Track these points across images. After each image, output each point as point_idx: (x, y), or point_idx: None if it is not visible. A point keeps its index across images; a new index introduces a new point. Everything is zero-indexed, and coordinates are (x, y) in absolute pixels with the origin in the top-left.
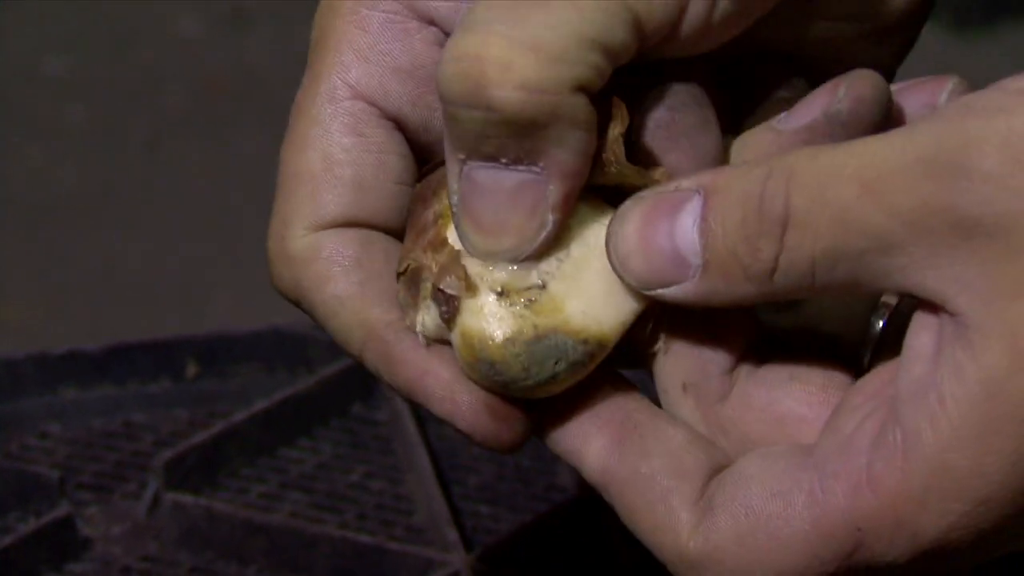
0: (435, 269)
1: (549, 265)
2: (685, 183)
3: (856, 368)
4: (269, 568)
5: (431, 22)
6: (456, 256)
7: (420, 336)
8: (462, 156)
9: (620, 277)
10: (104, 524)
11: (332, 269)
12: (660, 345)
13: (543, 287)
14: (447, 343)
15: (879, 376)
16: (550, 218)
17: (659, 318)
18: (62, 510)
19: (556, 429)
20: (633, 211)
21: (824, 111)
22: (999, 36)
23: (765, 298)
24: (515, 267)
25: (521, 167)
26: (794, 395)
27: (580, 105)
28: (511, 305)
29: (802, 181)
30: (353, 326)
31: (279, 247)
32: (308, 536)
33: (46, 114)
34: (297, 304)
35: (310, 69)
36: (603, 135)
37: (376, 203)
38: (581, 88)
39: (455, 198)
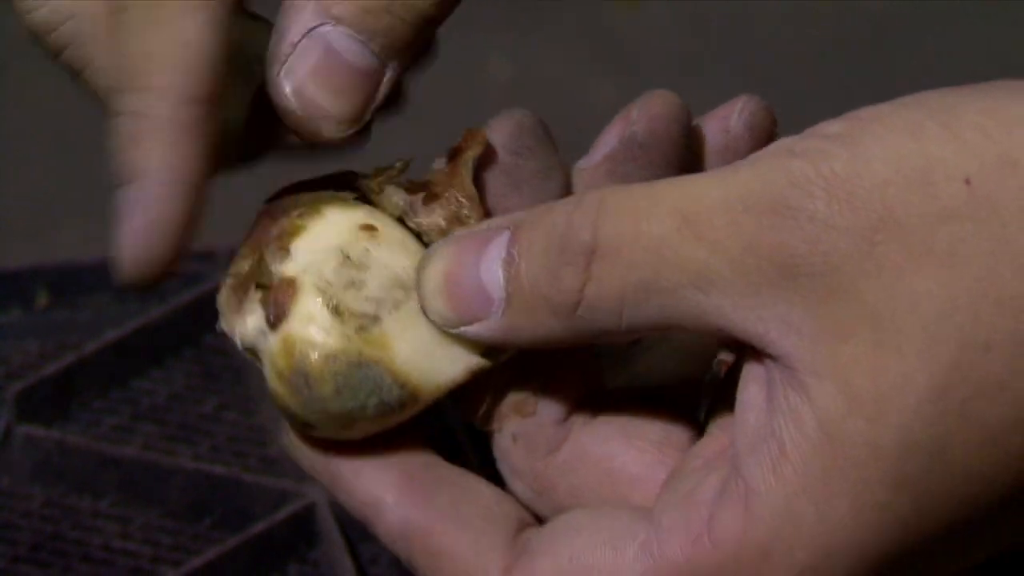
0: (273, 274)
1: (388, 302)
2: (497, 221)
3: (696, 424)
4: (122, 501)
5: None
6: (299, 266)
7: (237, 341)
8: (334, 14)
9: (425, 314)
10: None
11: (198, 7)
12: (496, 417)
13: (377, 319)
14: (257, 358)
15: (717, 439)
16: (369, 115)
17: (497, 386)
18: None
19: (353, 478)
20: (441, 248)
21: (620, 138)
22: None
23: (573, 336)
24: (355, 290)
25: (377, 53)
26: (629, 451)
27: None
28: (342, 324)
29: (614, 210)
30: (179, 70)
31: None
32: (161, 468)
33: None
34: (127, 23)
35: None
36: (453, 160)
37: None
38: None
39: (285, 47)
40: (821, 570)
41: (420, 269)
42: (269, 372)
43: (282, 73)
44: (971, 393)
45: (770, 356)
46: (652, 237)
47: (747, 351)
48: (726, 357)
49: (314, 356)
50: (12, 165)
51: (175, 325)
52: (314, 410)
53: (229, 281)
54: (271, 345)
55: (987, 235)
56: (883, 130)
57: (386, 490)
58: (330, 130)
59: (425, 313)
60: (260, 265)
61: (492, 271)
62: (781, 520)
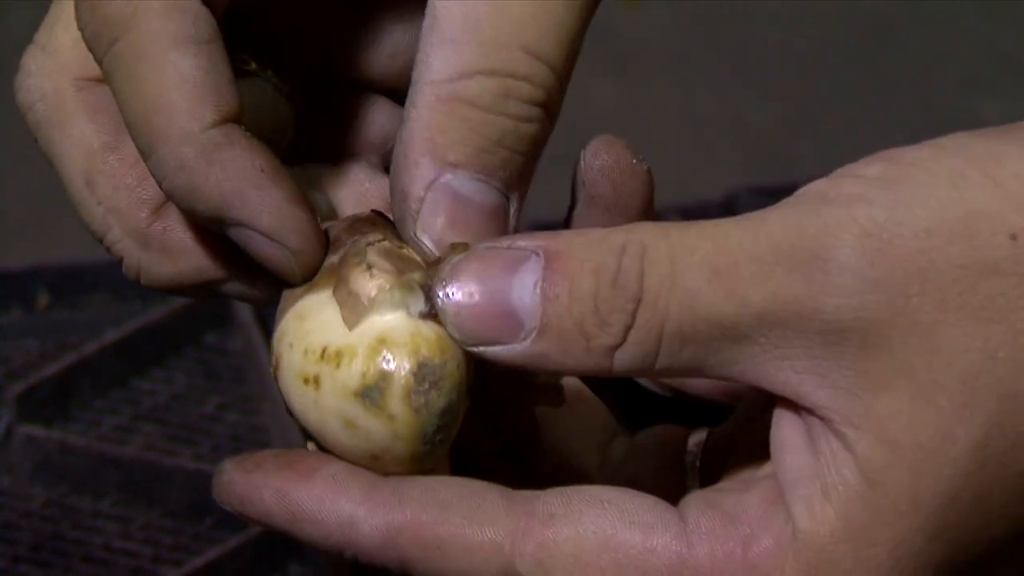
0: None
1: None
2: (521, 242)
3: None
4: (123, 501)
5: None
6: None
7: (368, 288)
8: (455, 160)
9: (446, 329)
10: None
11: (183, 37)
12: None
13: None
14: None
15: (747, 464)
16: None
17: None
18: None
19: (317, 506)
20: (465, 262)
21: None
22: None
23: (600, 372)
24: None
25: (502, 190)
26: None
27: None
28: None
29: (654, 258)
30: (182, 111)
31: None
32: (162, 468)
33: None
34: (93, 49)
35: None
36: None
37: None
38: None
39: (413, 204)
40: None
41: (441, 279)
42: (400, 339)
43: (418, 231)
44: (1008, 446)
45: (805, 408)
46: (686, 290)
47: (776, 397)
48: (696, 444)
49: (456, 362)
50: (12, 165)
51: (176, 325)
52: (426, 386)
53: (386, 244)
54: (420, 328)
55: None
56: (925, 176)
57: (356, 505)
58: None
59: (444, 325)
60: (429, 273)
61: (526, 297)
62: (818, 561)
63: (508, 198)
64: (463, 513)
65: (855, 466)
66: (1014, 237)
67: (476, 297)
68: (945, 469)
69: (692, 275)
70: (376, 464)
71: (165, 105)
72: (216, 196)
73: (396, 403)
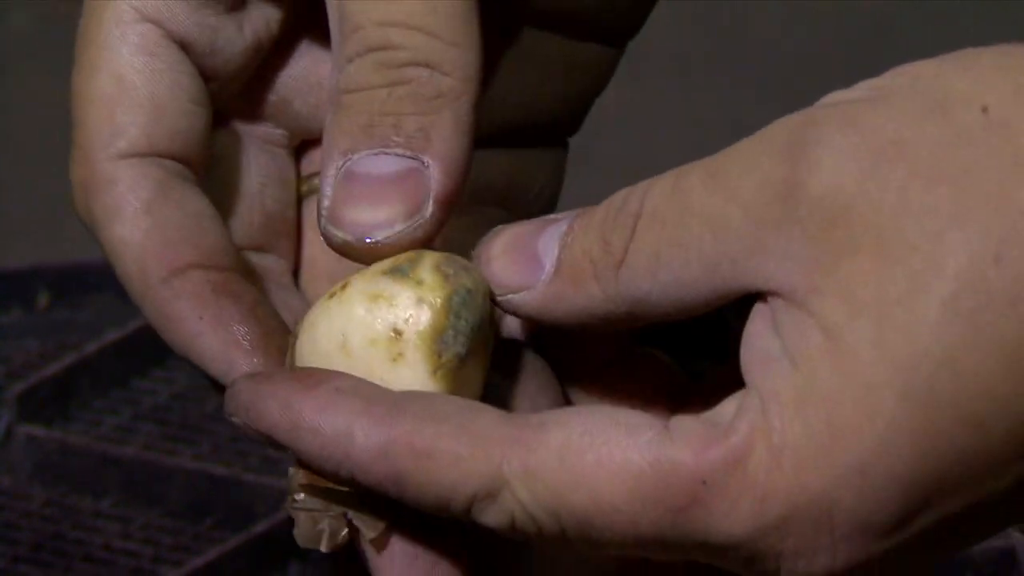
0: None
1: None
2: (565, 212)
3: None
4: (124, 501)
5: None
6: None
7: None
8: (347, 147)
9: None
10: None
11: (122, 208)
12: None
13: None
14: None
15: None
16: (430, 208)
17: None
18: None
19: (317, 416)
20: (508, 226)
21: None
22: None
23: (611, 306)
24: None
25: (407, 154)
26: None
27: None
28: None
29: (660, 182)
30: (132, 274)
31: (79, 172)
32: (163, 468)
33: None
34: (93, 234)
35: None
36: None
37: (174, 123)
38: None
39: (326, 202)
40: (829, 489)
41: (482, 241)
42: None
43: (323, 222)
44: (980, 304)
45: (773, 292)
46: (682, 192)
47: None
48: None
49: (482, 277)
50: (12, 165)
51: None
52: (455, 266)
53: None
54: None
55: (1000, 155)
56: (906, 80)
57: (354, 418)
58: (383, 236)
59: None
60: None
61: (548, 242)
62: (790, 432)
63: (419, 159)
64: (457, 424)
65: (817, 328)
66: (985, 110)
67: (507, 247)
68: (911, 320)
69: (690, 180)
70: (395, 347)
71: (124, 271)
72: (178, 346)
73: (425, 271)
